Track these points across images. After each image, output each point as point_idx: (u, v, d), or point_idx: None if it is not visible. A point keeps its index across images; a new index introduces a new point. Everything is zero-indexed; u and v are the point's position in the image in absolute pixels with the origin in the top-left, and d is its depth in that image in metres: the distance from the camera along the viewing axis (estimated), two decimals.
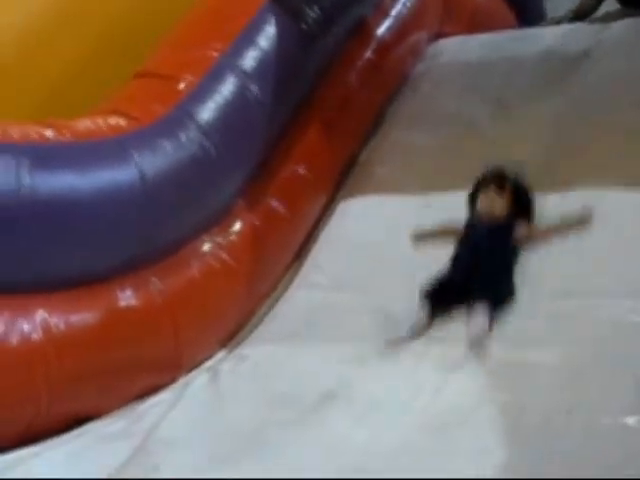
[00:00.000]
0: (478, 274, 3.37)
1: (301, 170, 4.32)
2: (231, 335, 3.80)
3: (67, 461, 3.02)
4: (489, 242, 3.42)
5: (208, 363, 3.65)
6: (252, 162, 4.01)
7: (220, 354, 3.71)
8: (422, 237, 3.52)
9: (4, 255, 3.09)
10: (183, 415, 3.26)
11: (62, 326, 3.16)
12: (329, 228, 4.35)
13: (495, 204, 3.46)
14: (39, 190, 3.14)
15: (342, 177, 4.67)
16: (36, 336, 3.09)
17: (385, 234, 4.08)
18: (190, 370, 3.57)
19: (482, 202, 3.49)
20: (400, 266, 3.79)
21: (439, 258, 3.48)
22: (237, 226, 3.89)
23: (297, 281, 4.09)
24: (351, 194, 4.55)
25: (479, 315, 3.28)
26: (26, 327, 3.08)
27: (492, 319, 3.28)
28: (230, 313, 3.79)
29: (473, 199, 3.54)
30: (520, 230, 3.42)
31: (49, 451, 3.10)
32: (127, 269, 3.42)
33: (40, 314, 3.13)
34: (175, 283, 3.56)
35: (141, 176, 3.44)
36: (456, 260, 3.45)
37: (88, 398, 3.26)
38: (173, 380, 3.50)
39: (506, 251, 3.43)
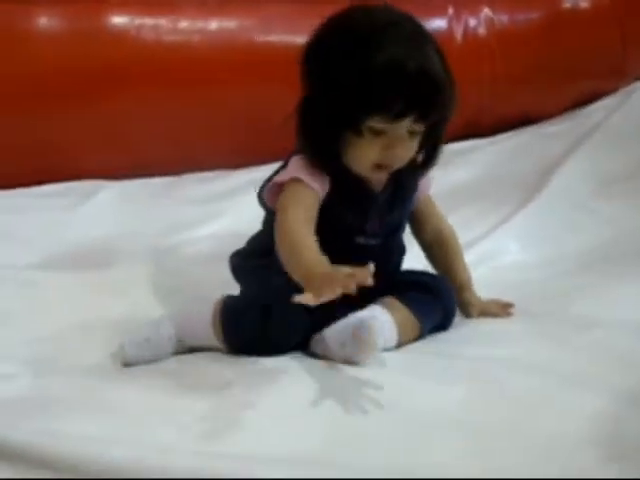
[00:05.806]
0: None
1: None
2: None
3: (511, 152, 3.12)
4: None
5: None
6: None
7: None
8: None
9: None
10: (625, 119, 3.20)
11: (507, 23, 3.19)
12: None
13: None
14: None
15: None
16: (482, 31, 3.15)
17: None
18: (634, 80, 3.46)
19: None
20: None
21: None
22: None
23: None
24: None
25: None
26: (472, 22, 3.16)
27: None
28: None
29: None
30: None
31: (491, 146, 3.21)
32: None
33: (485, 11, 3.19)
34: None
35: None
36: None
37: (530, 98, 3.29)
38: (616, 88, 3.41)
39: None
